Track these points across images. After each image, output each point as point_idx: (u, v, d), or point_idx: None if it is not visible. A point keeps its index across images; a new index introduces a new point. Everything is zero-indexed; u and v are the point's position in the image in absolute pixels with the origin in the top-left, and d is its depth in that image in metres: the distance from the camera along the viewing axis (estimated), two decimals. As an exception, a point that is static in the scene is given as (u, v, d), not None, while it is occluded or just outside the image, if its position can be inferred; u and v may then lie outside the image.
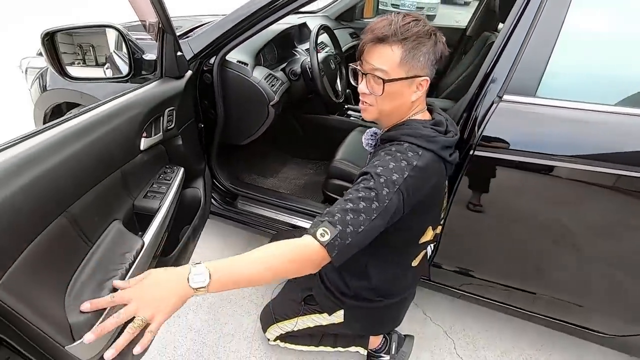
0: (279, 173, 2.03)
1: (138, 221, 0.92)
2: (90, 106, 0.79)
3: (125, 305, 0.57)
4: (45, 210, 0.59)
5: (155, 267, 0.93)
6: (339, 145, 1.61)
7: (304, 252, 0.66)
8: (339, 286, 1.03)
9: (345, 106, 2.11)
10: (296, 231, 1.46)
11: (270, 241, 1.17)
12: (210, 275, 0.59)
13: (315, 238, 0.66)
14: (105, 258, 0.73)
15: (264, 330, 1.24)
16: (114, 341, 0.56)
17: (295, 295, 1.16)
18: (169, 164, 1.10)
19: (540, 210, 1.02)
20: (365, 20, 2.74)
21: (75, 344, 0.62)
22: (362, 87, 0.81)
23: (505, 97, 0.95)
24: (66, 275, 0.65)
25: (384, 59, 0.75)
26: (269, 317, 1.21)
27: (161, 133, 1.01)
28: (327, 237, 0.65)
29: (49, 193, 0.60)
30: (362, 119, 2.03)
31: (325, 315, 1.10)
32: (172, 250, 1.05)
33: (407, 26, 0.74)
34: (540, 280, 1.16)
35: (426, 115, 0.86)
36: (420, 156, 0.74)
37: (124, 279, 0.72)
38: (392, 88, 0.77)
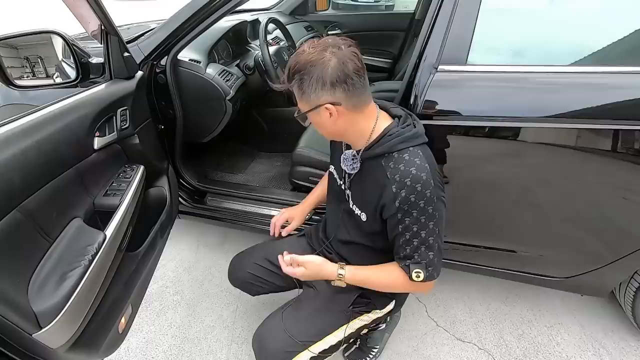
0: (248, 168, 2.06)
1: (100, 219, 0.94)
2: (36, 108, 0.81)
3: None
4: None
5: (121, 261, 0.96)
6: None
7: (413, 288, 0.90)
8: None
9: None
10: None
11: None
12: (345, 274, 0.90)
13: (415, 281, 0.84)
14: (67, 251, 0.75)
15: None
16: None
17: (341, 303, 1.01)
18: (129, 162, 1.12)
19: (484, 169, 1.11)
20: (319, 12, 2.80)
21: (42, 331, 0.65)
22: None
23: (440, 67, 1.03)
24: (29, 267, 0.68)
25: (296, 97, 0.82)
26: (287, 346, 0.93)
27: (115, 132, 1.03)
28: (422, 275, 0.83)
29: None
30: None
31: (374, 312, 1.04)
32: (138, 246, 1.07)
33: (291, 66, 0.76)
34: (489, 234, 1.26)
35: (387, 117, 0.88)
36: (424, 154, 0.82)
37: (86, 271, 0.75)
38: (313, 119, 0.82)
